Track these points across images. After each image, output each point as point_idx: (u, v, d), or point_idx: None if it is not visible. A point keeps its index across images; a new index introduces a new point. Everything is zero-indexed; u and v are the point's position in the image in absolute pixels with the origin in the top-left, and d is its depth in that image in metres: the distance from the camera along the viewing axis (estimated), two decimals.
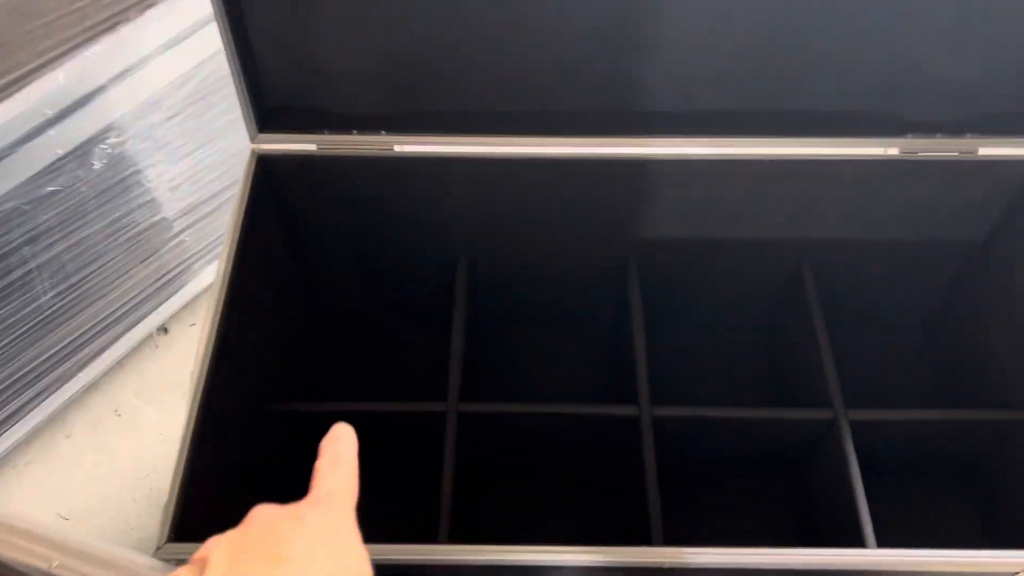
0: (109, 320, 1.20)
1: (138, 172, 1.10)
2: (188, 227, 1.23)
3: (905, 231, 0.95)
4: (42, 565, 0.58)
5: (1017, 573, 0.65)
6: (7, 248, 0.98)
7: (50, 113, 0.93)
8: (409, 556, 0.66)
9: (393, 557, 0.65)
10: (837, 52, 0.80)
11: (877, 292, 1.04)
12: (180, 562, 0.64)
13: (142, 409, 1.31)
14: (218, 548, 0.37)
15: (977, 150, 0.86)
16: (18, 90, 0.89)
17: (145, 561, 0.60)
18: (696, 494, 0.99)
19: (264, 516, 0.39)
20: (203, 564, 0.36)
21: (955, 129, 0.85)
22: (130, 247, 1.15)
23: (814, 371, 0.91)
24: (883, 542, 0.78)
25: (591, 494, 1.00)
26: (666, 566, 0.65)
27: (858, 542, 0.78)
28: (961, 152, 0.86)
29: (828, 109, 0.85)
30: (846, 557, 0.66)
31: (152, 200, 1.14)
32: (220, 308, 0.76)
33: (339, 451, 0.43)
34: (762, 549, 0.65)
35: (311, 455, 0.98)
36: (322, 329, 1.12)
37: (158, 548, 0.63)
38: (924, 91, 0.83)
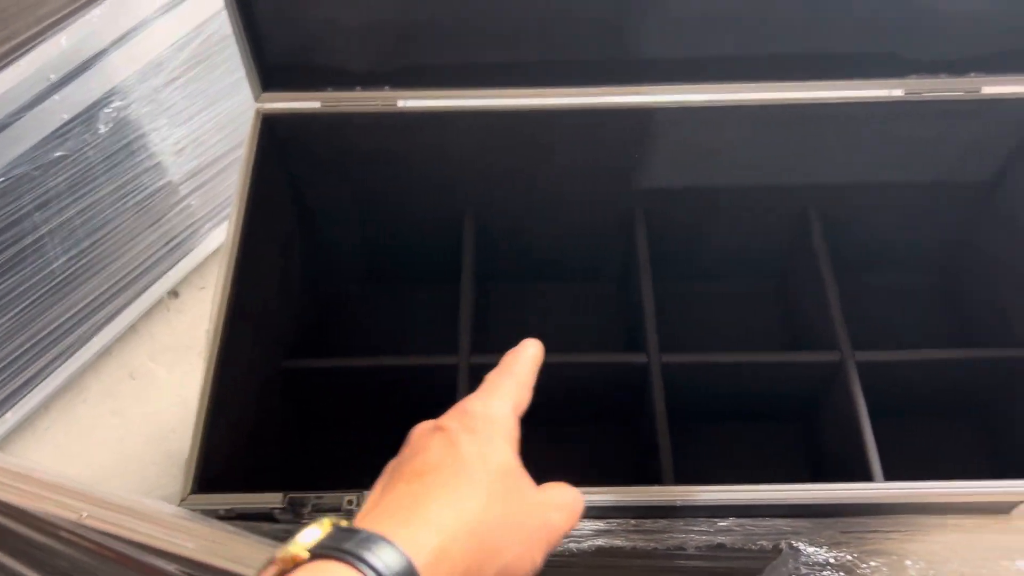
0: (120, 285, 1.21)
1: (143, 136, 1.10)
2: (194, 191, 1.24)
3: (911, 173, 0.95)
4: (72, 516, 0.59)
5: (1021, 502, 0.67)
6: (19, 214, 0.99)
7: (54, 77, 0.93)
8: None
9: None
10: None
11: (884, 235, 1.04)
12: (205, 512, 0.66)
13: (156, 372, 1.33)
14: (383, 475, 0.40)
15: (981, 89, 0.85)
16: (22, 55, 0.89)
17: (172, 510, 0.62)
18: (707, 440, 1.00)
19: (414, 434, 0.41)
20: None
21: (959, 68, 0.85)
22: (138, 211, 1.16)
23: (822, 315, 0.91)
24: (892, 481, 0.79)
25: (603, 442, 1.02)
26: (678, 504, 0.66)
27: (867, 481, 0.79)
28: (966, 91, 0.86)
29: (830, 51, 0.85)
30: (853, 491, 0.68)
31: (158, 164, 1.15)
32: (232, 270, 0.77)
33: (513, 364, 0.45)
34: (770, 486, 0.67)
35: (323, 410, 1.00)
36: (330, 287, 1.13)
37: (183, 500, 0.64)
38: (927, 29, 0.83)
